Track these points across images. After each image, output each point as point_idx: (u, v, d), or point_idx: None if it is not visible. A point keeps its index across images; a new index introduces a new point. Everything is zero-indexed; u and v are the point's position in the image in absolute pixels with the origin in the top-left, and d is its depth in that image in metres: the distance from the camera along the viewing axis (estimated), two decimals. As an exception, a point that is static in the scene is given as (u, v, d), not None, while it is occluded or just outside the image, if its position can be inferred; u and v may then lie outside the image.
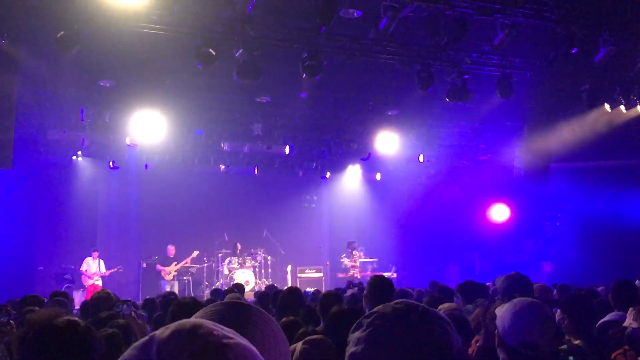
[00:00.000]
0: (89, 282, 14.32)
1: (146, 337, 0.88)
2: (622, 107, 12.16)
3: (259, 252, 16.41)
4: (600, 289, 7.62)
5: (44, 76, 11.00)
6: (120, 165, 15.48)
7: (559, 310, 3.78)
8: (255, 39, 9.56)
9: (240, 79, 9.79)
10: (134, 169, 15.97)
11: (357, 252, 16.11)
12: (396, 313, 1.23)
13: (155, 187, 16.24)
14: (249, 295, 12.12)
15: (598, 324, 4.40)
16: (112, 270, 14.61)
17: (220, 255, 16.29)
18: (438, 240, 17.54)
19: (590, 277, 11.98)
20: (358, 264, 15.96)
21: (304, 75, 9.91)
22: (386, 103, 13.61)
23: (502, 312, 2.40)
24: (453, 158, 17.11)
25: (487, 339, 3.02)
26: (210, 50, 9.09)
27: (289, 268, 16.47)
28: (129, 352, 0.88)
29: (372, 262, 16.42)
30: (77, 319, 2.40)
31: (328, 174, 18.08)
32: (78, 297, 13.23)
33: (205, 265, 16.25)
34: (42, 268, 14.92)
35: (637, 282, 6.67)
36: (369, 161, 16.90)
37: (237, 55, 9.56)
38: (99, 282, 14.29)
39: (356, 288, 9.21)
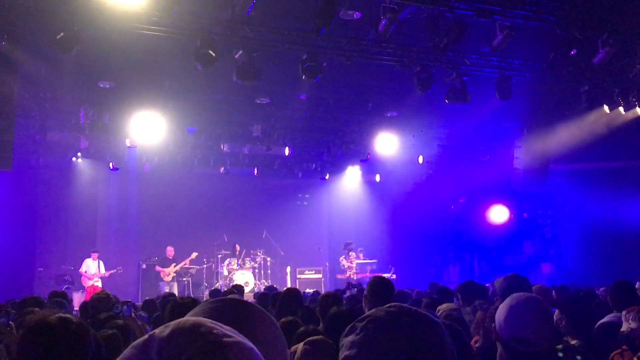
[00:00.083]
0: (88, 283, 14.32)
1: (146, 336, 0.88)
2: (621, 109, 12.16)
3: (259, 253, 16.40)
4: (599, 290, 7.63)
5: (44, 77, 11.01)
6: (120, 167, 15.50)
7: (557, 311, 3.79)
8: (254, 41, 9.57)
9: (239, 80, 9.79)
10: (134, 170, 15.98)
11: (353, 253, 16.12)
12: (389, 317, 1.23)
13: (155, 188, 16.25)
14: (248, 297, 12.11)
15: (597, 325, 4.40)
16: (112, 271, 14.60)
17: (219, 256, 16.28)
18: (437, 242, 17.54)
19: (589, 278, 11.98)
20: (354, 265, 15.97)
21: (303, 77, 9.91)
22: (386, 104, 13.62)
23: (501, 305, 2.41)
24: (452, 159, 17.11)
25: (486, 338, 3.03)
26: (210, 51, 9.09)
27: (288, 269, 16.47)
28: (128, 350, 0.87)
29: (371, 264, 16.42)
30: (70, 316, 2.40)
31: (327, 175, 18.08)
32: (77, 298, 13.23)
33: (205, 266, 16.24)
34: (41, 269, 14.92)
35: (637, 284, 6.66)
36: (369, 162, 16.92)
37: (236, 56, 9.56)
38: (99, 283, 14.28)
39: (355, 289, 9.20)
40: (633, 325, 3.70)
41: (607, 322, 4.40)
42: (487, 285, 7.06)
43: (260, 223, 17.09)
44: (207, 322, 0.89)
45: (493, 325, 2.41)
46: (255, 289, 15.00)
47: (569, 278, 12.13)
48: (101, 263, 14.66)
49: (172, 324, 0.89)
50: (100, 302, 5.70)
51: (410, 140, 15.32)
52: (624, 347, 3.40)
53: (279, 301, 5.57)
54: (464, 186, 16.95)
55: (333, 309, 4.05)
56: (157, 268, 15.52)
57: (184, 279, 15.83)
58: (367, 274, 15.50)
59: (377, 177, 18.27)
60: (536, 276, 14.19)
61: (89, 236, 16.13)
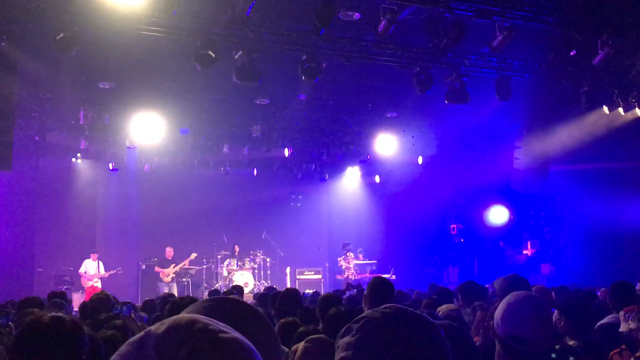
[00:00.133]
0: (88, 284, 14.32)
1: (142, 333, 0.88)
2: (621, 110, 12.16)
3: (258, 254, 16.40)
4: (599, 291, 7.62)
5: (44, 78, 11.01)
6: (120, 167, 15.50)
7: (556, 311, 3.78)
8: (254, 41, 9.57)
9: (239, 81, 9.79)
10: (134, 171, 15.98)
11: (351, 254, 16.12)
12: (385, 318, 1.23)
13: (155, 189, 16.25)
14: (248, 297, 12.11)
15: (596, 326, 4.40)
16: (111, 272, 14.60)
17: (219, 257, 16.28)
18: (437, 243, 17.53)
19: (589, 279, 11.98)
20: (352, 265, 15.97)
21: (303, 78, 9.91)
22: (385, 105, 13.62)
23: (500, 303, 2.41)
24: (452, 160, 17.10)
25: (485, 338, 3.03)
26: (210, 52, 9.09)
27: (288, 270, 16.47)
28: (125, 347, 0.87)
29: (370, 264, 16.42)
30: (63, 315, 2.40)
31: (327, 176, 18.08)
32: (77, 299, 13.23)
33: (205, 267, 16.24)
34: (41, 270, 14.92)
35: (638, 285, 6.66)
36: (368, 163, 16.91)
37: (236, 57, 9.56)
38: (98, 284, 14.28)
39: (355, 290, 9.20)
40: (632, 325, 3.69)
41: (607, 323, 4.40)
42: (486, 286, 7.05)
43: (260, 224, 17.09)
44: (203, 318, 0.89)
45: (492, 323, 2.41)
46: (254, 290, 15.00)
47: (568, 278, 12.14)
48: (101, 264, 14.66)
49: (168, 320, 0.89)
50: (99, 303, 5.69)
51: (409, 140, 15.32)
52: (623, 346, 3.40)
53: (278, 301, 5.57)
54: (463, 187, 16.94)
55: (332, 310, 4.05)
56: (157, 269, 15.51)
57: (184, 279, 15.82)
58: (367, 274, 15.50)
59: (377, 178, 18.26)
60: (536, 277, 14.19)
61: (89, 237, 16.12)
